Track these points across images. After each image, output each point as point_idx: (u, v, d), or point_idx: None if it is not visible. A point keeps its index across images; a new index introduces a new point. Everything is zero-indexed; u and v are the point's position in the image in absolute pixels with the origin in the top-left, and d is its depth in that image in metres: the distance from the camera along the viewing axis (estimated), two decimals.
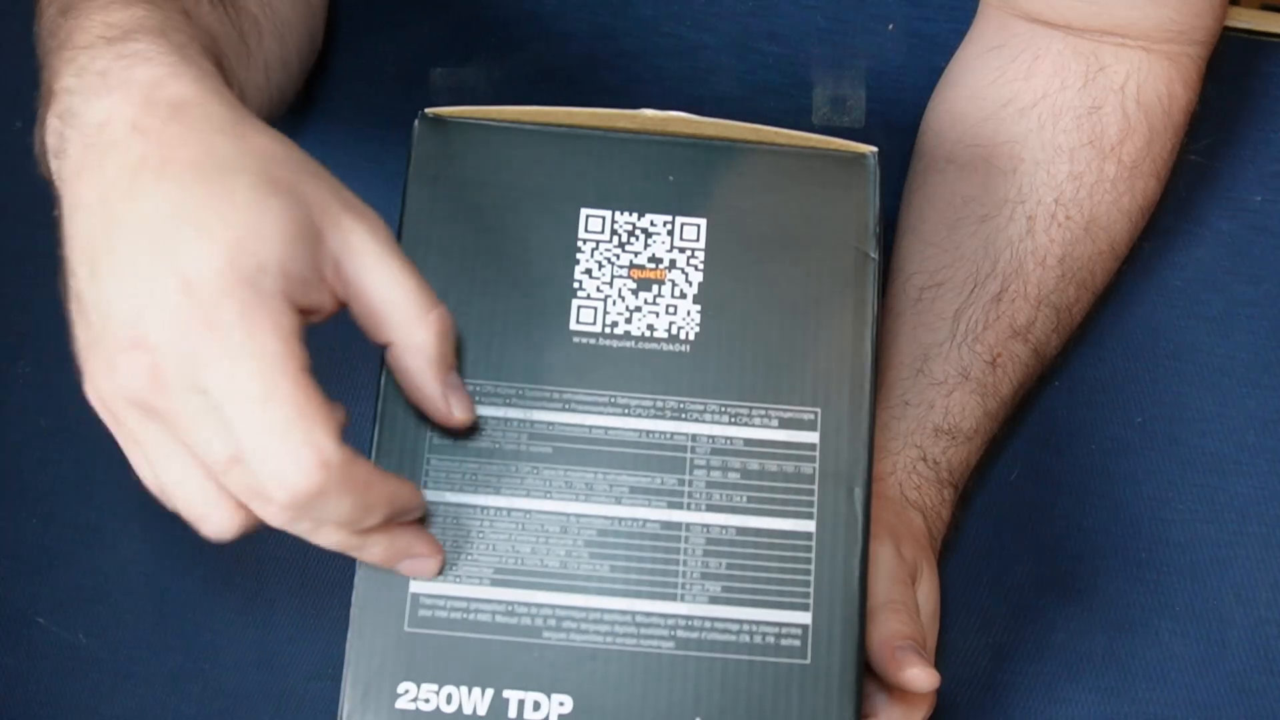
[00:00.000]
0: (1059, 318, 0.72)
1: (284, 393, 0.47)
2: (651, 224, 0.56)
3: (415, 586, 0.52)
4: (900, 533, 0.64)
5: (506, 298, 0.55)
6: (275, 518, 0.48)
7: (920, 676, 0.58)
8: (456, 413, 0.53)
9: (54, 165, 0.52)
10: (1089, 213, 0.71)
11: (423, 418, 0.53)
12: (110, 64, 0.51)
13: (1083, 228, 0.71)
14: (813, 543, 0.53)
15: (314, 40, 0.74)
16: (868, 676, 0.59)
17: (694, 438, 0.54)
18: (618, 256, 0.56)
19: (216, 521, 0.49)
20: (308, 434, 0.47)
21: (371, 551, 0.51)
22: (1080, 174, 0.71)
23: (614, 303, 0.55)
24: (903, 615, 0.60)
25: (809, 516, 0.54)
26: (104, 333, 0.48)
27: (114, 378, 0.48)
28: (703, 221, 0.56)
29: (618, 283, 0.55)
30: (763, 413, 0.54)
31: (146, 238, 0.48)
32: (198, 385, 0.47)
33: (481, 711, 0.52)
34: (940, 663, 0.60)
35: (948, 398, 0.69)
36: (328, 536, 0.50)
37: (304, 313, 0.49)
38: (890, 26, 0.83)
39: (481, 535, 0.53)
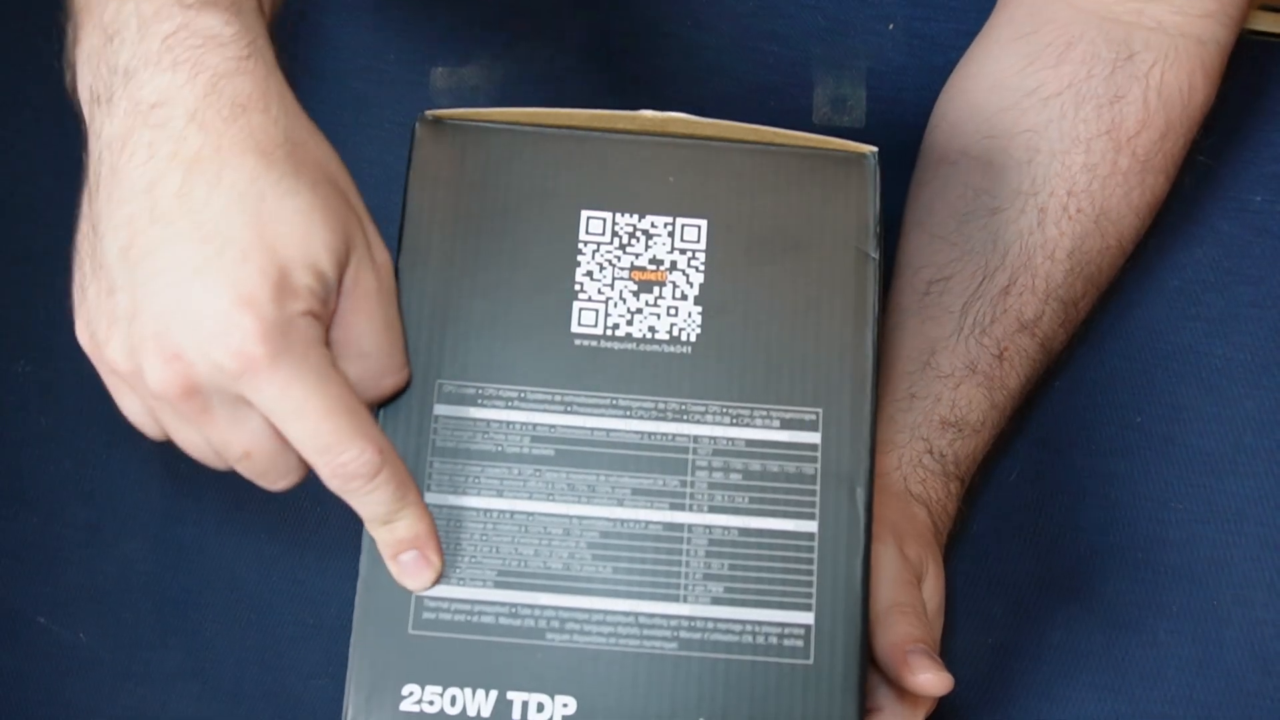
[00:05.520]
0: (1066, 312, 0.72)
1: (340, 401, 0.49)
2: (652, 225, 0.56)
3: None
4: (904, 531, 0.64)
5: (507, 300, 0.55)
6: (278, 487, 0.52)
7: (934, 681, 0.58)
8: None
9: (91, 110, 0.51)
10: (1100, 205, 0.71)
11: (424, 421, 0.53)
12: (178, 33, 0.50)
13: (1093, 220, 0.71)
14: (815, 543, 0.54)
15: None
16: (873, 673, 0.59)
17: (695, 439, 0.54)
18: (618, 258, 0.56)
19: (224, 467, 0.52)
20: (366, 428, 0.50)
21: (399, 527, 0.52)
22: (1094, 165, 0.71)
23: (615, 305, 0.55)
24: (911, 618, 0.60)
25: (811, 517, 0.54)
26: (133, 324, 0.49)
27: (138, 373, 0.49)
28: (703, 222, 0.56)
29: (619, 284, 0.55)
30: (764, 413, 0.55)
31: (196, 248, 0.48)
32: (232, 397, 0.49)
33: (485, 713, 0.52)
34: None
35: (955, 390, 0.69)
36: (371, 505, 0.52)
37: None
38: (890, 26, 0.83)
39: (484, 538, 0.53)
